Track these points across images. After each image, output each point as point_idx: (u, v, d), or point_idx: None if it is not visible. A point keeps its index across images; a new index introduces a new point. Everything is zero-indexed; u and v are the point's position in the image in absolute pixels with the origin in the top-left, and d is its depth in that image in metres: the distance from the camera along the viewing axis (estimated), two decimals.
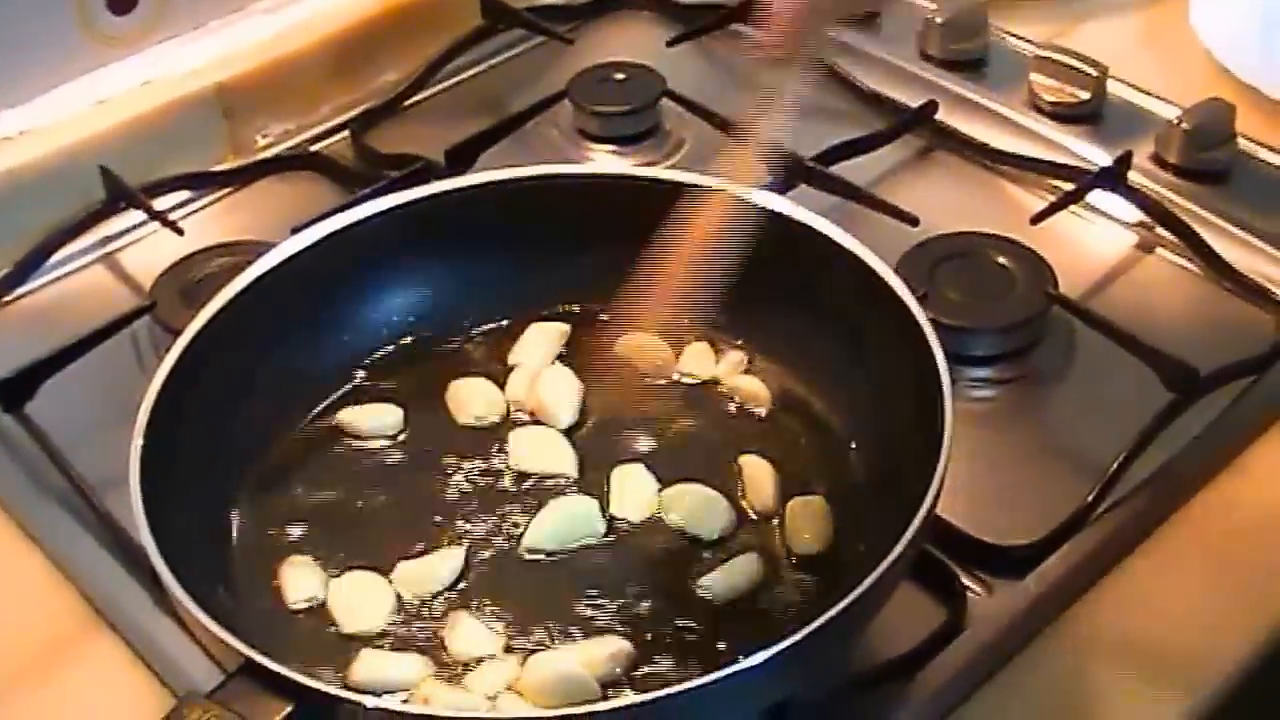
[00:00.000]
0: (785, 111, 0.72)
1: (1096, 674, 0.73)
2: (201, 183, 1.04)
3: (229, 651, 0.62)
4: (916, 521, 0.65)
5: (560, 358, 0.84)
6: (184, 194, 1.03)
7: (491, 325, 0.86)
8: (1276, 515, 0.80)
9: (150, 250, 0.98)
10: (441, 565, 0.73)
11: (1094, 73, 1.04)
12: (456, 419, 0.81)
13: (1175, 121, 1.00)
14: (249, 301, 0.78)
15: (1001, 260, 0.92)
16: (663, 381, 0.83)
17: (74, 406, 0.85)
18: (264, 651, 0.61)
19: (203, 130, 1.05)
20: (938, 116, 1.05)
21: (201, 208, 1.03)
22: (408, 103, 1.11)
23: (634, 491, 0.77)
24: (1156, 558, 0.78)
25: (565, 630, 0.71)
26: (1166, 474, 0.80)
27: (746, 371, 0.83)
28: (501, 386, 0.83)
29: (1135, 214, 0.97)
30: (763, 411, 0.81)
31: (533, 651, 0.70)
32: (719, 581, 0.72)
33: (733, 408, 0.81)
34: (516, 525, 0.75)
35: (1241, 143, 1.00)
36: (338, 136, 1.08)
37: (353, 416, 0.81)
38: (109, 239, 1.00)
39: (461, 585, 0.73)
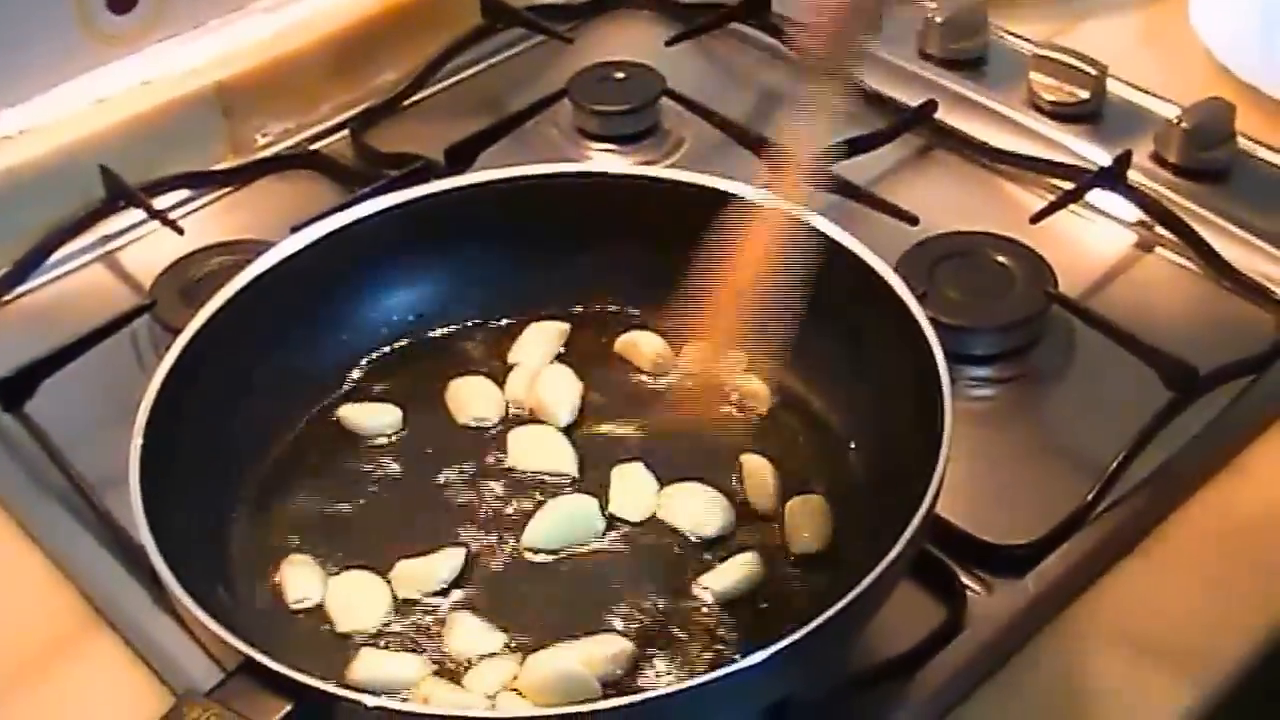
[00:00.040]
0: (827, 125, 0.70)
1: (1096, 673, 0.73)
2: (201, 182, 1.04)
3: (228, 650, 0.62)
4: (916, 521, 0.65)
5: (560, 357, 0.84)
6: (184, 193, 1.03)
7: (491, 324, 0.86)
8: (1276, 514, 0.80)
9: (150, 249, 0.98)
10: (441, 565, 0.73)
11: (1093, 72, 1.04)
12: (456, 418, 0.81)
13: (1175, 121, 1.00)
14: (249, 300, 0.78)
15: (1001, 259, 0.92)
16: (662, 380, 0.83)
17: (74, 405, 0.85)
18: (263, 650, 0.61)
19: (202, 129, 1.06)
20: (937, 115, 1.05)
21: (201, 207, 1.03)
22: (407, 102, 1.11)
23: (634, 490, 0.77)
24: (1156, 557, 0.78)
25: (565, 629, 0.71)
26: (1166, 473, 0.80)
27: (746, 370, 0.82)
28: (501, 385, 0.83)
29: (1135, 213, 0.97)
30: (762, 410, 0.81)
31: (532, 650, 0.70)
32: (719, 580, 0.72)
33: (732, 406, 0.81)
34: (516, 524, 0.75)
35: (1241, 142, 1.00)
36: (337, 135, 1.08)
37: (352, 415, 0.81)
38: (109, 238, 1.00)
39: (461, 584, 0.73)
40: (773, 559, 0.73)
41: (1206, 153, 0.99)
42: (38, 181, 0.99)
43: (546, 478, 0.78)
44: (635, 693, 0.66)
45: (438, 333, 0.86)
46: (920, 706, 0.71)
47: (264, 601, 0.73)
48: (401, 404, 0.82)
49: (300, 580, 0.73)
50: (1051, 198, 0.96)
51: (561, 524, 0.75)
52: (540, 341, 0.84)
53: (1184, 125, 0.99)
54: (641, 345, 0.84)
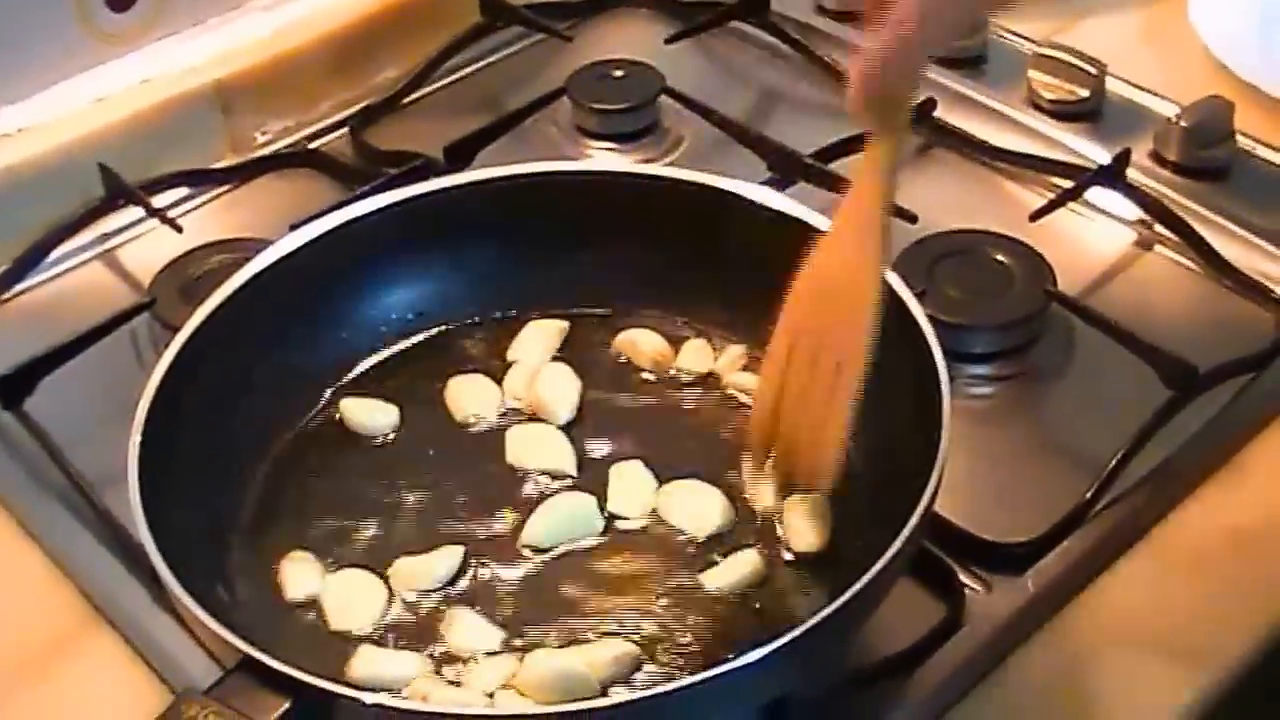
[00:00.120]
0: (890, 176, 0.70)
1: (1095, 670, 0.73)
2: (200, 180, 1.04)
3: (227, 648, 0.62)
4: (914, 518, 0.65)
5: (559, 355, 0.84)
6: (183, 191, 1.03)
7: (490, 322, 0.86)
8: (1275, 513, 0.80)
9: (149, 247, 0.98)
10: (439, 563, 0.73)
11: (1093, 70, 1.04)
12: (455, 416, 0.81)
13: (1174, 119, 1.00)
14: (248, 298, 0.78)
15: (1000, 257, 0.92)
16: (661, 378, 0.83)
17: (73, 403, 0.85)
18: (262, 648, 0.61)
19: (202, 127, 1.05)
20: (936, 114, 1.05)
21: (200, 205, 1.03)
22: (407, 100, 1.11)
23: (633, 489, 0.77)
24: (1155, 555, 0.78)
25: (564, 627, 0.71)
26: (1165, 471, 0.80)
27: (745, 368, 0.83)
28: (500, 383, 0.83)
29: (1134, 211, 0.97)
30: None
31: (531, 649, 0.70)
32: (719, 579, 0.72)
33: (732, 404, 0.81)
34: (515, 522, 0.75)
35: (1240, 140, 1.00)
36: (337, 134, 1.08)
37: (351, 413, 0.81)
38: (108, 236, 1.00)
39: (460, 582, 0.73)
40: (773, 557, 0.73)
41: (1206, 151, 0.99)
42: (37, 179, 0.99)
43: (545, 476, 0.78)
44: (634, 690, 0.67)
45: (437, 331, 0.86)
46: (919, 704, 0.71)
47: (263, 599, 0.72)
48: (401, 402, 0.82)
49: (299, 578, 0.73)
50: (1051, 196, 0.96)
51: (560, 522, 0.75)
52: (539, 339, 0.84)
53: (1183, 123, 0.99)
54: (640, 343, 0.84)
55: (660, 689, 0.61)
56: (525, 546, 0.75)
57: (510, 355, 0.84)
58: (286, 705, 0.60)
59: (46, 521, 0.81)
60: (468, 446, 0.80)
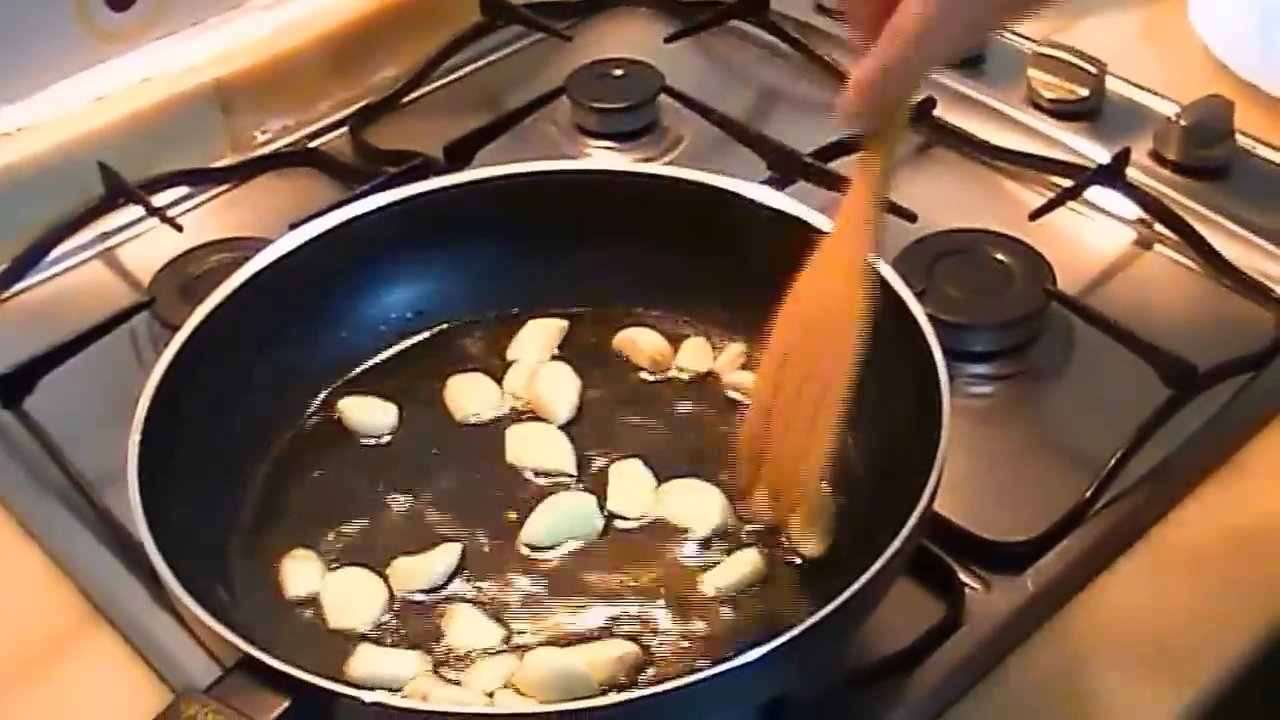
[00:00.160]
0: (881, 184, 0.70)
1: (1094, 670, 0.73)
2: (200, 179, 1.04)
3: (227, 647, 0.62)
4: (913, 518, 0.65)
5: (558, 354, 0.84)
6: (182, 190, 1.03)
7: (490, 321, 0.86)
8: (1275, 512, 0.80)
9: (149, 246, 0.98)
10: (437, 561, 0.73)
11: (1092, 69, 1.04)
12: (454, 415, 0.81)
13: (1174, 118, 1.00)
14: (247, 297, 0.78)
15: (1000, 257, 0.92)
16: (660, 377, 0.83)
17: (72, 402, 0.85)
18: (262, 647, 0.62)
19: (201, 126, 1.06)
20: (936, 113, 1.05)
21: (200, 204, 1.03)
22: (406, 99, 1.11)
23: (632, 487, 0.77)
24: (1155, 554, 0.78)
25: (563, 627, 0.71)
26: (1164, 470, 0.80)
27: (744, 367, 0.83)
28: (500, 382, 0.83)
29: (1134, 210, 0.97)
30: None
31: (530, 648, 0.70)
32: (720, 578, 0.72)
33: (731, 403, 0.81)
34: (514, 521, 0.75)
35: (1240, 139, 1.00)
36: (336, 133, 1.08)
37: (351, 412, 0.81)
38: (107, 235, 1.00)
39: (459, 581, 0.73)
40: (773, 556, 0.73)
41: (1205, 150, 0.99)
42: (37, 178, 0.99)
43: (545, 475, 0.78)
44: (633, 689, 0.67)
45: (436, 330, 0.86)
46: (918, 703, 0.71)
47: (262, 598, 0.72)
48: (400, 401, 0.82)
49: (300, 576, 0.73)
50: (1050, 195, 0.96)
51: (560, 521, 0.75)
52: (539, 338, 0.84)
53: (1183, 123, 0.99)
54: (640, 342, 0.84)
55: (659, 688, 0.61)
56: (525, 545, 0.75)
57: (510, 354, 0.84)
58: (286, 704, 0.60)
59: (46, 520, 0.81)
60: (467, 445, 0.80)
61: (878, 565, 0.63)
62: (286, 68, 1.08)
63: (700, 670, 0.61)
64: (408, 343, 0.85)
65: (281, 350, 0.80)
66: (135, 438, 0.70)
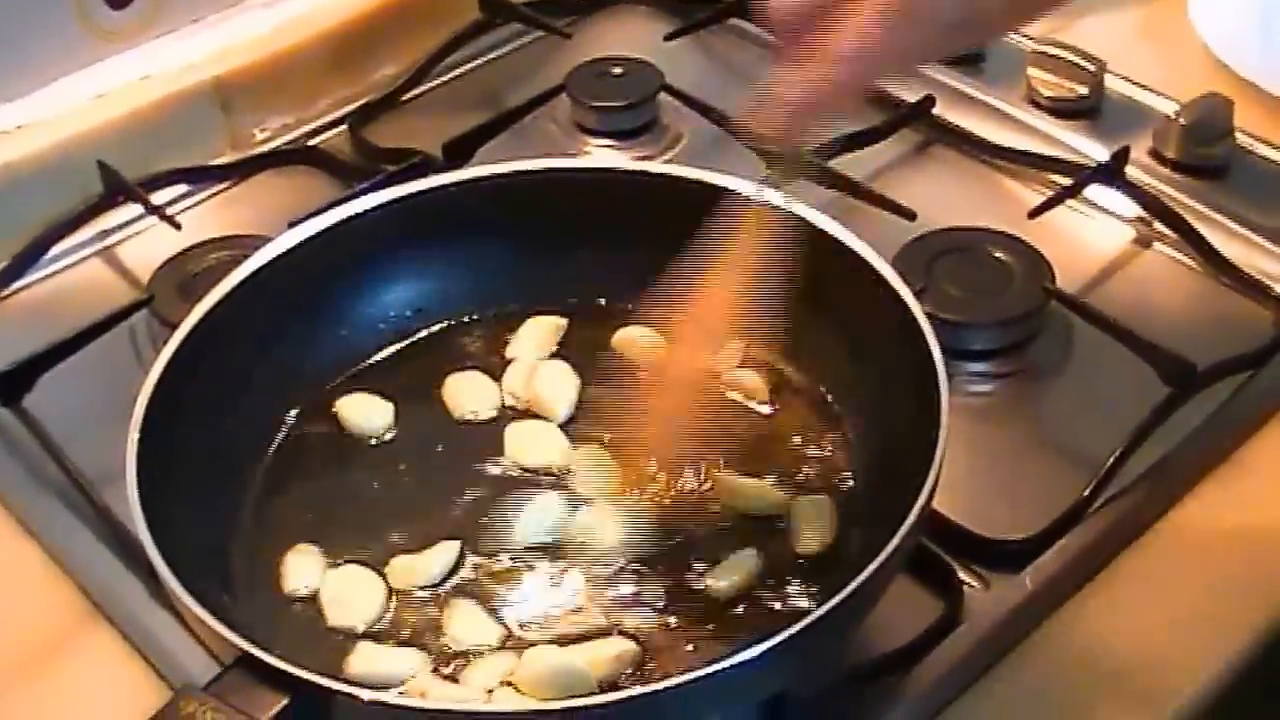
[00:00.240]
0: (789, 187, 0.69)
1: (1093, 668, 0.73)
2: (199, 177, 1.04)
3: (225, 645, 0.62)
4: (912, 516, 0.65)
5: (557, 352, 0.84)
6: (181, 188, 1.03)
7: (488, 319, 0.86)
8: (1274, 510, 0.80)
9: (148, 244, 0.98)
10: (436, 559, 0.73)
11: (1092, 68, 1.04)
12: (453, 413, 0.81)
13: (1173, 116, 1.00)
14: (246, 296, 0.78)
15: (999, 255, 0.92)
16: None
17: (72, 400, 0.85)
18: (261, 645, 0.62)
19: (200, 124, 1.06)
20: (935, 111, 1.05)
21: (199, 202, 1.03)
22: (405, 97, 1.11)
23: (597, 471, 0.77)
24: (1154, 552, 0.78)
25: (564, 625, 0.71)
26: (1163, 469, 0.80)
27: (743, 364, 0.82)
28: (498, 380, 0.83)
29: (1133, 209, 0.97)
30: (760, 405, 0.81)
31: (529, 646, 0.70)
32: (719, 576, 0.72)
33: (730, 402, 0.81)
34: (512, 519, 0.75)
35: (1239, 138, 1.00)
36: (335, 131, 1.08)
37: (349, 410, 0.81)
38: (106, 233, 1.00)
39: (458, 579, 0.73)
40: (772, 555, 0.73)
41: (1205, 148, 0.99)
42: (36, 176, 0.99)
43: (544, 473, 0.78)
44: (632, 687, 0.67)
45: (435, 328, 0.85)
46: (917, 701, 0.71)
47: (261, 596, 0.72)
48: (399, 399, 0.82)
49: (300, 575, 0.73)
50: (1050, 193, 0.96)
51: (558, 519, 0.75)
52: (538, 336, 0.84)
53: (1182, 121, 0.99)
54: (639, 340, 0.84)
55: (658, 685, 0.61)
56: (523, 543, 0.74)
57: (509, 352, 0.84)
58: (285, 702, 0.60)
59: (45, 518, 0.81)
60: (466, 443, 0.80)
61: (876, 563, 0.63)
62: (286, 66, 1.08)
63: (699, 668, 0.61)
64: (406, 341, 0.85)
65: (280, 348, 0.80)
66: (134, 435, 0.70)
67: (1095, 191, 0.98)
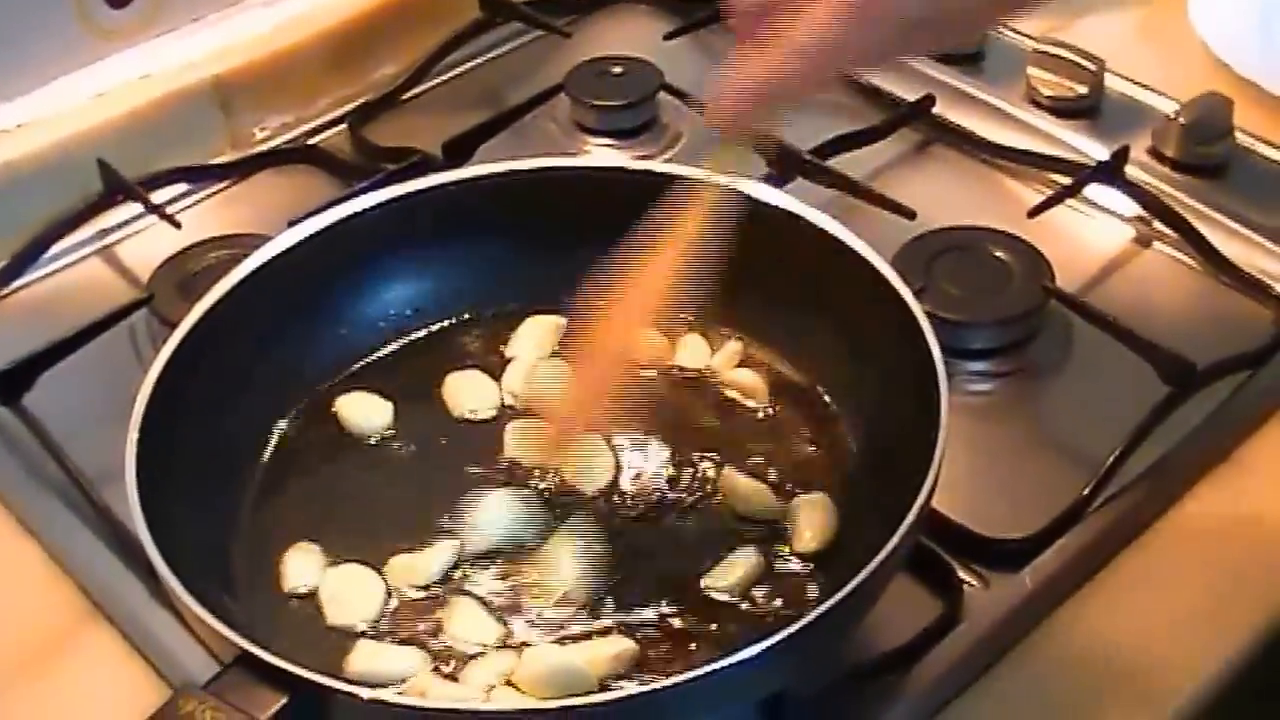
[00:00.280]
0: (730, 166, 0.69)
1: (1093, 667, 0.73)
2: (199, 176, 1.04)
3: (225, 643, 0.62)
4: (911, 515, 0.65)
5: (556, 351, 0.84)
6: (181, 187, 1.03)
7: (488, 318, 0.86)
8: (1273, 509, 0.80)
9: (147, 243, 0.98)
10: (435, 558, 0.73)
11: (1091, 67, 1.04)
12: (452, 412, 0.81)
13: (1173, 116, 1.00)
14: (246, 294, 0.78)
15: (999, 254, 0.92)
16: (659, 374, 0.83)
17: (71, 399, 0.85)
18: (260, 643, 0.62)
19: (200, 123, 1.06)
20: (935, 110, 1.05)
21: (199, 201, 1.03)
22: (405, 96, 1.11)
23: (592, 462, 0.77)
24: (1153, 551, 0.78)
25: (563, 624, 0.71)
26: (1163, 468, 0.80)
27: (742, 364, 0.83)
28: (498, 379, 0.83)
29: (1132, 208, 0.97)
30: (759, 404, 0.81)
31: (529, 644, 0.70)
32: (719, 575, 0.72)
33: (729, 401, 0.81)
34: (511, 518, 0.75)
35: (1239, 137, 1.00)
36: (335, 129, 1.08)
37: (349, 409, 0.81)
38: (106, 232, 1.00)
39: (457, 578, 0.73)
40: (772, 554, 0.73)
41: (1204, 148, 0.99)
42: (36, 175, 0.99)
43: (542, 471, 0.78)
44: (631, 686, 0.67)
45: (435, 326, 0.86)
46: (917, 700, 0.71)
47: (261, 595, 0.73)
48: (398, 398, 0.82)
49: (299, 573, 0.73)
50: (1049, 192, 0.96)
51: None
52: (537, 335, 0.84)
53: (1182, 120, 0.99)
54: (639, 339, 0.84)
55: (657, 684, 0.61)
56: (523, 542, 0.74)
57: (508, 351, 0.84)
58: (284, 700, 0.60)
59: (45, 517, 0.81)
60: (465, 442, 0.80)
61: (876, 562, 0.63)
62: (286, 64, 1.08)
63: (699, 667, 0.61)
64: (406, 340, 0.85)
65: (280, 347, 0.80)
66: (133, 434, 0.70)
67: (1095, 191, 0.98)
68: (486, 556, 0.74)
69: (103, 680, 0.74)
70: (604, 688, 0.67)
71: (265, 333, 0.80)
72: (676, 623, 0.71)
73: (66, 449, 0.82)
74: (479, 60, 1.15)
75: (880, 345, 0.76)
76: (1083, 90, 1.04)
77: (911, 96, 1.05)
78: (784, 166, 0.98)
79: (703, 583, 0.72)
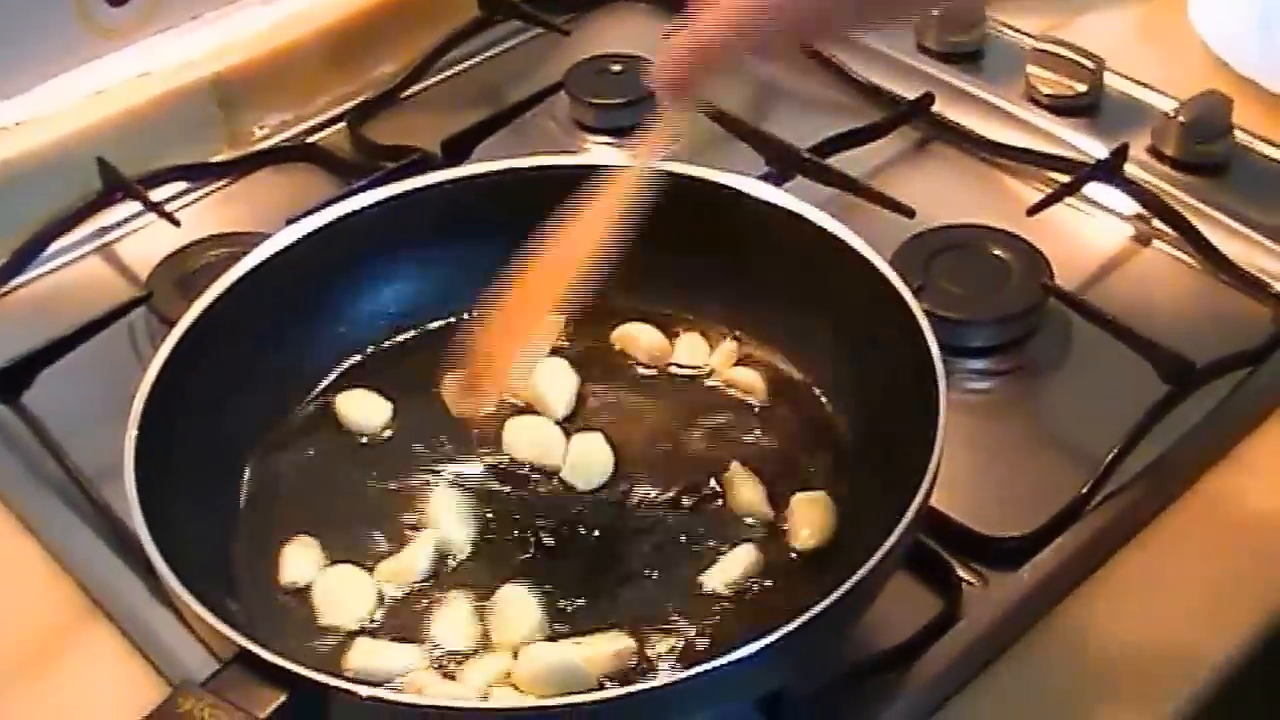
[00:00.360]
0: (666, 140, 0.70)
1: (1091, 665, 0.73)
2: (198, 174, 1.04)
3: (224, 641, 0.62)
4: (910, 513, 0.65)
5: (556, 349, 0.84)
6: (180, 185, 1.03)
7: None
8: (1272, 507, 0.80)
9: (146, 241, 0.98)
10: (418, 554, 0.73)
11: (1091, 65, 1.04)
12: (452, 410, 0.81)
13: (1172, 114, 1.00)
14: (245, 292, 0.78)
15: (998, 252, 0.92)
16: (658, 372, 0.83)
17: (70, 397, 0.85)
18: (260, 641, 0.62)
19: (199, 121, 1.05)
20: (934, 108, 1.05)
21: (198, 199, 1.03)
22: (405, 94, 1.11)
23: (590, 459, 0.77)
24: (1152, 549, 0.78)
25: (561, 622, 0.71)
26: (1162, 466, 0.80)
27: (741, 363, 0.83)
28: None
29: (1132, 206, 0.97)
30: (758, 403, 0.81)
31: (527, 642, 0.70)
32: (718, 573, 0.72)
33: (728, 399, 0.81)
34: (510, 516, 0.75)
35: (1239, 135, 1.00)
36: (334, 128, 1.08)
37: (347, 408, 0.81)
38: (105, 230, 1.00)
39: (455, 576, 0.73)
40: (771, 552, 0.73)
41: (1204, 146, 0.99)
42: (35, 173, 0.99)
43: (542, 470, 0.78)
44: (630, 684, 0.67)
45: (434, 324, 0.85)
46: (916, 698, 0.71)
47: (260, 593, 0.72)
48: (397, 396, 0.81)
49: (298, 571, 0.73)
50: (1048, 191, 0.96)
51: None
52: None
53: (1181, 119, 0.99)
54: (638, 337, 0.84)
55: (655, 682, 0.61)
56: (522, 540, 0.74)
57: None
58: (283, 698, 0.60)
59: (44, 515, 0.81)
60: (464, 441, 0.80)
61: (874, 560, 0.63)
62: (284, 63, 1.08)
63: (697, 665, 0.61)
64: (405, 337, 0.85)
65: (279, 345, 0.80)
66: (132, 432, 0.70)
67: (1094, 189, 0.98)
68: (478, 553, 0.74)
69: (102, 678, 0.74)
70: (603, 686, 0.67)
71: (264, 331, 0.80)
72: (675, 620, 0.71)
73: (65, 447, 0.82)
74: (478, 58, 1.15)
75: (879, 343, 0.76)
76: (1082, 88, 1.04)
77: (911, 95, 1.05)
78: (783, 165, 0.98)
79: (701, 580, 0.72)
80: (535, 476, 0.78)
